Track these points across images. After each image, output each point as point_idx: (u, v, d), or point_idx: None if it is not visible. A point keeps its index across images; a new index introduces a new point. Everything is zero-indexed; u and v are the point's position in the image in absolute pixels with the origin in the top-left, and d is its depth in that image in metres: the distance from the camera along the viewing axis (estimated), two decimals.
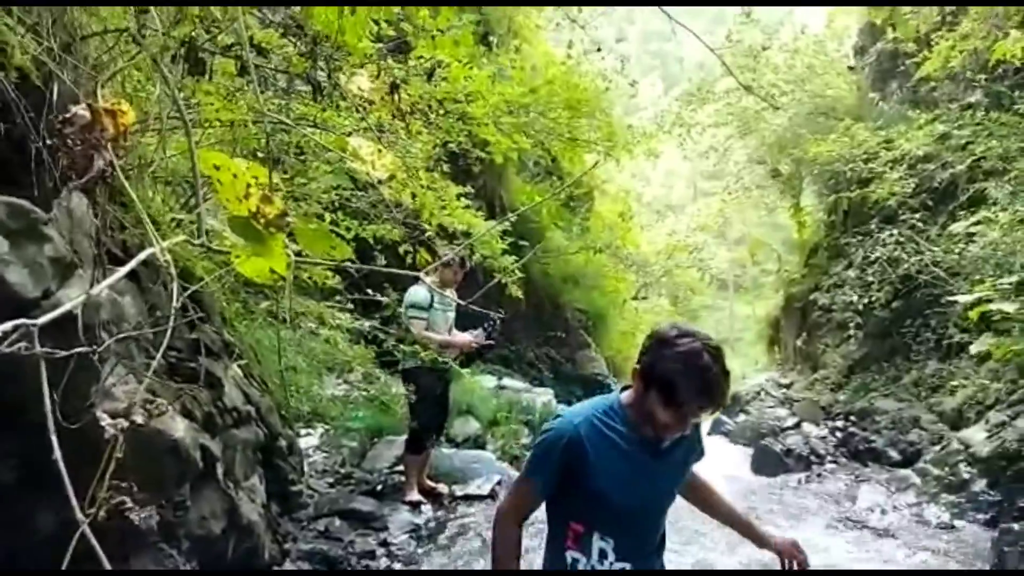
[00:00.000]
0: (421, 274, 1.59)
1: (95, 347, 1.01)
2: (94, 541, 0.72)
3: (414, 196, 3.80)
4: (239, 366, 3.52)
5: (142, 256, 0.97)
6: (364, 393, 6.99)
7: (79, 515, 0.72)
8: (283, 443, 3.95)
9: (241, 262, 1.06)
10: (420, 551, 5.05)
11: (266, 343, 3.92)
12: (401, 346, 5.08)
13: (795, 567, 2.11)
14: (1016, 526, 4.96)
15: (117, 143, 0.99)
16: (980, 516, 5.89)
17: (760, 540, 2.19)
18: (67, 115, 0.97)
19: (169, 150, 2.52)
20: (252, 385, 3.68)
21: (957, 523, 5.88)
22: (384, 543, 5.02)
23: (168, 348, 2.95)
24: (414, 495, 5.68)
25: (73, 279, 1.68)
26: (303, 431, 5.84)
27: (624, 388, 2.00)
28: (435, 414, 5.58)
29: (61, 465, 0.72)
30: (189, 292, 1.79)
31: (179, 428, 2.29)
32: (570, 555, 1.93)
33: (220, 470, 3.09)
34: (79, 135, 0.96)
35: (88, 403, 1.33)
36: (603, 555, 1.91)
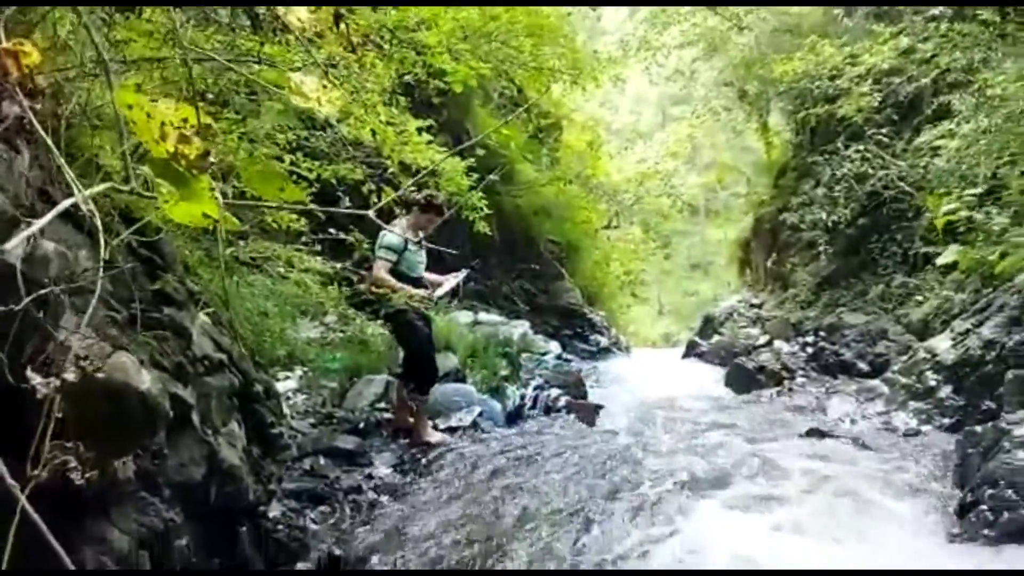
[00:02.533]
0: (391, 222, 1.53)
1: (11, 307, 0.97)
2: (27, 505, 0.71)
3: (374, 133, 3.71)
4: (206, 314, 3.48)
5: (62, 206, 0.94)
6: (340, 334, 7.01)
7: (9, 481, 0.71)
8: (259, 388, 3.95)
9: (170, 207, 1.03)
10: (405, 483, 5.16)
11: (232, 290, 3.88)
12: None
13: None
14: (979, 428, 5.14)
15: (25, 86, 0.94)
16: (945, 421, 6.13)
17: None
18: None
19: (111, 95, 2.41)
20: (222, 333, 3.65)
21: (923, 428, 6.12)
22: (369, 477, 5.12)
23: (130, 300, 2.91)
24: (433, 435, 5.88)
25: (17, 234, 1.62)
26: (281, 375, 5.85)
27: None
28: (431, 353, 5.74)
29: None
30: (134, 238, 1.74)
31: (145, 380, 2.27)
32: None
33: (196, 418, 3.09)
34: None
35: (32, 360, 1.31)
36: None
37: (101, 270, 1.20)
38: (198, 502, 3.03)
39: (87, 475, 1.01)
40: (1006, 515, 4.14)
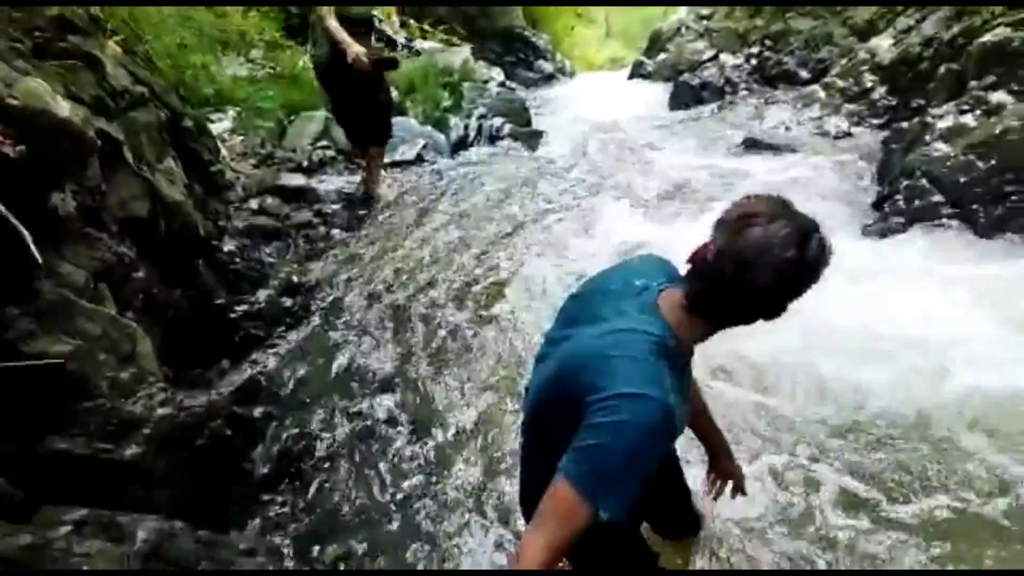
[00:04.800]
0: None
1: None
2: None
3: None
4: (116, 43, 3.24)
5: None
6: (270, 70, 6.64)
7: None
8: (189, 123, 3.82)
9: None
10: (356, 215, 5.28)
11: (143, 19, 3.57)
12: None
13: (719, 488, 1.96)
14: (905, 124, 5.31)
15: None
16: (876, 121, 6.30)
17: (713, 453, 1.96)
18: None
19: None
20: (138, 64, 3.44)
21: (854, 130, 6.30)
22: (319, 213, 5.20)
23: (31, 29, 2.69)
24: (379, 188, 5.62)
25: None
26: (213, 116, 5.63)
27: (654, 309, 1.39)
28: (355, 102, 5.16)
29: None
30: None
31: (64, 107, 2.17)
32: None
33: (128, 154, 3.02)
34: None
35: None
36: None
37: None
38: (148, 237, 3.08)
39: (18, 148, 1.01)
40: (917, 202, 4.47)
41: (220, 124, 5.72)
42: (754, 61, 8.61)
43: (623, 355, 1.29)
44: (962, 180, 4.27)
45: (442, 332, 3.65)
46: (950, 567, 2.12)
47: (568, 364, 1.39)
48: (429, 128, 7.14)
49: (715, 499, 1.97)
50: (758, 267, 1.21)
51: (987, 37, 4.58)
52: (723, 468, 1.95)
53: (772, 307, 1.30)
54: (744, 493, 1.99)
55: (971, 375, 2.88)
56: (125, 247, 2.88)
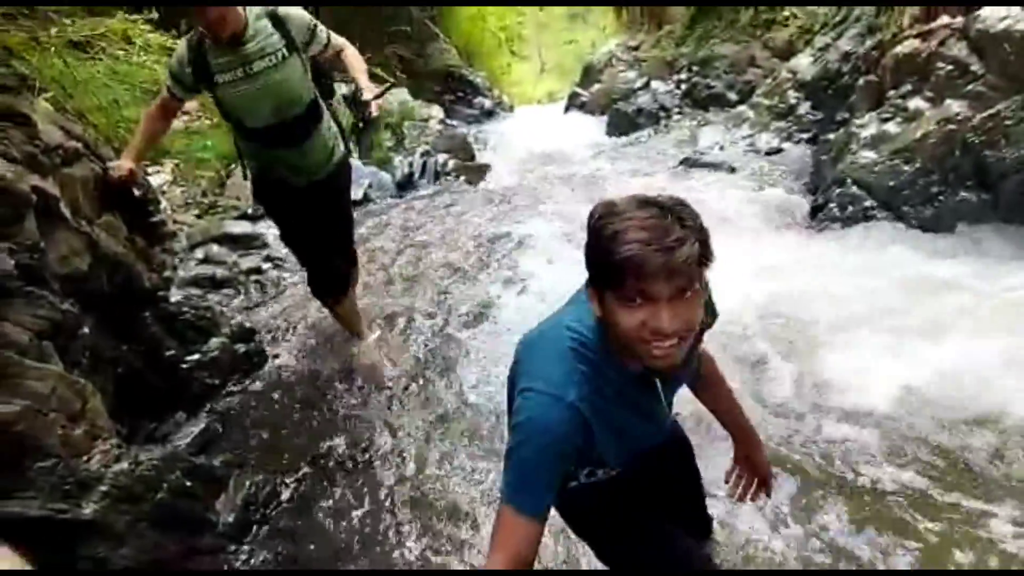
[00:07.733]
0: None
1: None
2: None
3: None
4: (46, 100, 3.19)
5: None
6: (207, 120, 6.59)
7: None
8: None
9: None
10: None
11: (71, 74, 3.52)
12: None
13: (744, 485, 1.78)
14: (832, 136, 5.55)
15: None
16: (804, 136, 6.55)
17: (736, 440, 1.79)
18: None
19: None
20: (70, 120, 3.38)
21: (784, 146, 6.54)
22: (268, 258, 5.14)
23: None
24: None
25: None
26: (150, 169, 5.55)
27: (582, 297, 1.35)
28: (294, 239, 3.79)
29: None
30: None
31: None
32: None
33: (66, 210, 2.96)
34: None
35: None
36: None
37: None
38: (92, 292, 3.00)
39: None
40: (850, 208, 4.67)
41: (158, 176, 5.64)
42: (684, 86, 8.89)
43: (540, 350, 1.32)
44: (891, 184, 4.47)
45: (400, 371, 3.62)
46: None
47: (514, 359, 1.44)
48: (373, 168, 7.16)
49: (740, 500, 1.80)
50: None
51: (898, 49, 4.83)
52: (747, 460, 1.77)
53: (600, 270, 1.21)
54: (768, 494, 1.82)
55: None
56: (68, 304, 2.80)
